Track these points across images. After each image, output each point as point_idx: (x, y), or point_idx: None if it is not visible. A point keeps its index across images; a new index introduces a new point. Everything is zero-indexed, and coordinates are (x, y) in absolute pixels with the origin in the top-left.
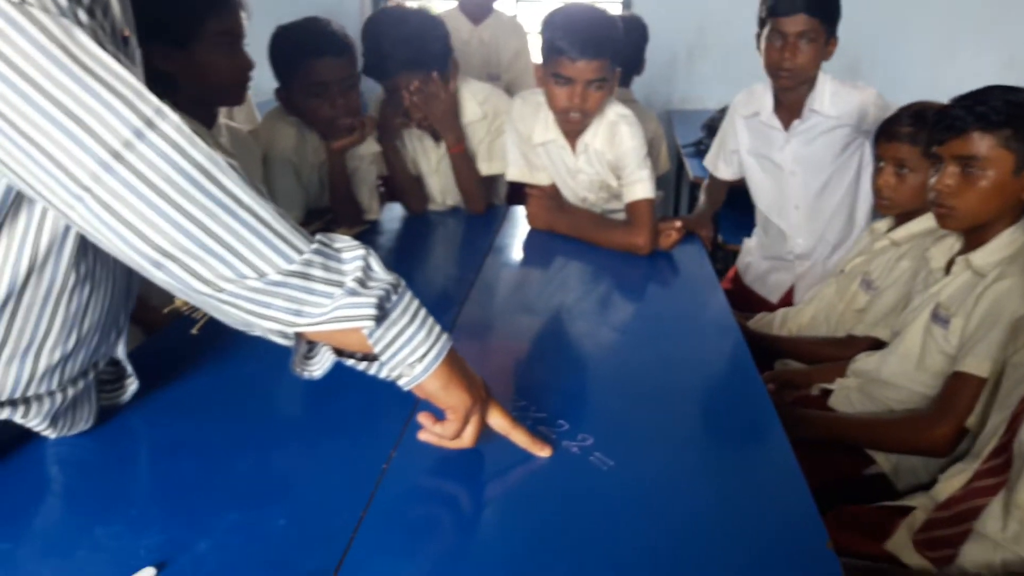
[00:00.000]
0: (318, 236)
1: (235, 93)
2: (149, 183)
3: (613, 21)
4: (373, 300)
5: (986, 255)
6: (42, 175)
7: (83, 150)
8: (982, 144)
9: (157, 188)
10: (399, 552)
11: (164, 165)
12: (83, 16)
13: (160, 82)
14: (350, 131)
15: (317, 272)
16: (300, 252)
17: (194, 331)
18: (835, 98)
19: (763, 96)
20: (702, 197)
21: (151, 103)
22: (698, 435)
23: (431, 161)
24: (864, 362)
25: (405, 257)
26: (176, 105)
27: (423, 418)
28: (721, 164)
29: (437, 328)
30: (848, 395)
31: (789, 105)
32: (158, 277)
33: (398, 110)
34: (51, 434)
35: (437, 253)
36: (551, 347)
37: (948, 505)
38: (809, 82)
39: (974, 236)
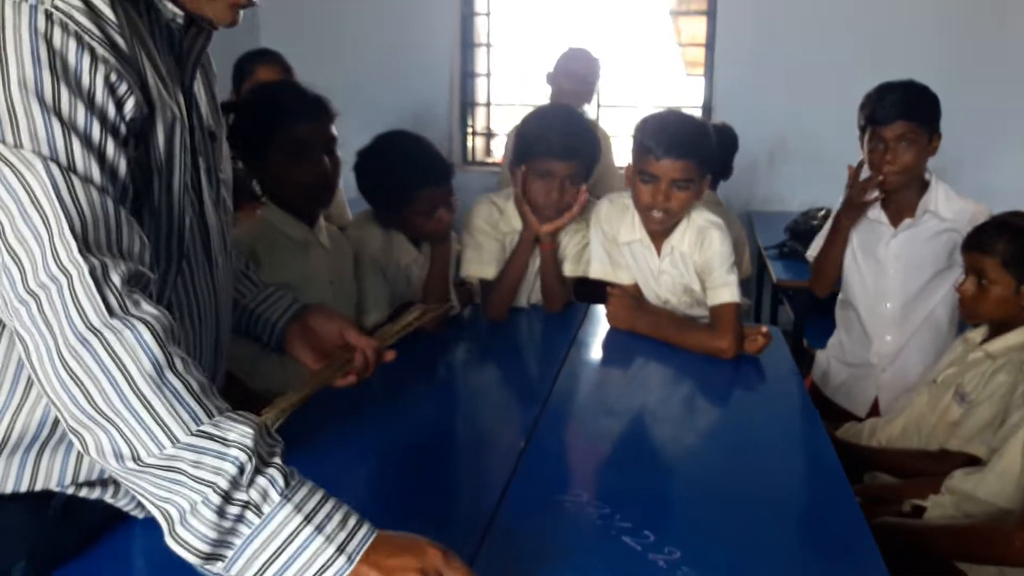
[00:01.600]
0: (212, 425)
1: (314, 200)
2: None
3: (703, 127)
4: (213, 535)
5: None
6: None
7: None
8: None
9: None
10: None
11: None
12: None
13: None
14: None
15: (185, 466)
16: (174, 442)
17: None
18: (949, 202)
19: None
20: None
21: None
22: (789, 550)
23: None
24: (961, 480)
25: (485, 355)
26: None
27: None
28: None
29: (334, 529)
30: (943, 513)
31: (898, 203)
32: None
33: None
34: (139, 514)
35: (518, 351)
36: (633, 451)
37: None
38: (919, 181)
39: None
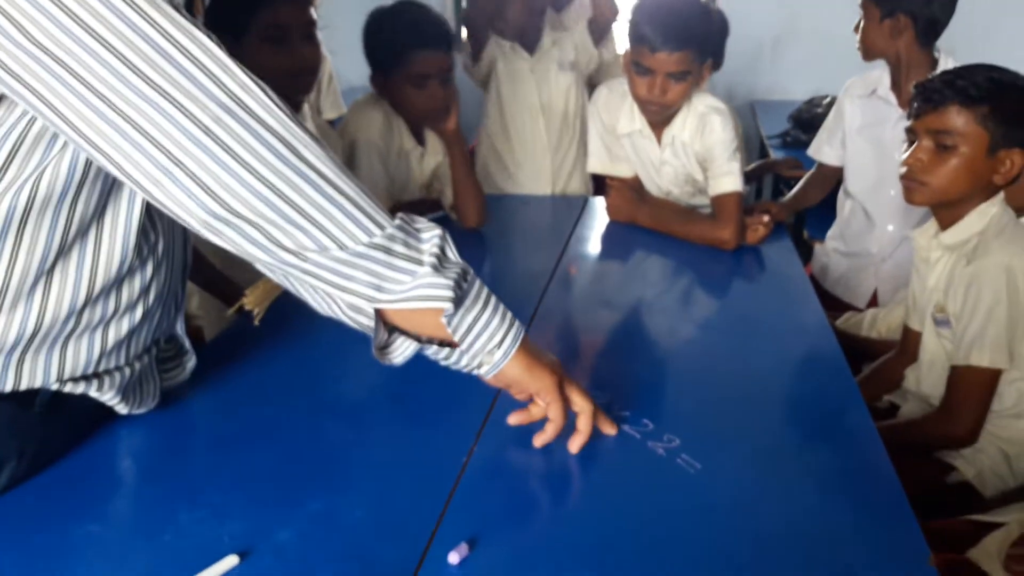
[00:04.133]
0: (399, 214)
1: (294, 86)
2: (236, 156)
3: (702, 12)
4: (450, 283)
5: (957, 233)
6: (131, 151)
7: (173, 125)
8: (958, 119)
9: (244, 161)
10: (481, 545)
11: (251, 139)
12: None
13: None
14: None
15: (399, 248)
16: (382, 227)
17: (256, 322)
18: None
19: (881, 76)
20: (798, 187)
21: (237, 78)
22: (789, 439)
23: None
24: (907, 379)
25: (483, 246)
26: None
27: (515, 418)
28: (826, 148)
29: (509, 313)
30: (910, 409)
31: (906, 84)
32: (245, 248)
33: None
34: (123, 409)
35: (515, 246)
36: (633, 343)
37: None
38: (928, 58)
39: (945, 215)
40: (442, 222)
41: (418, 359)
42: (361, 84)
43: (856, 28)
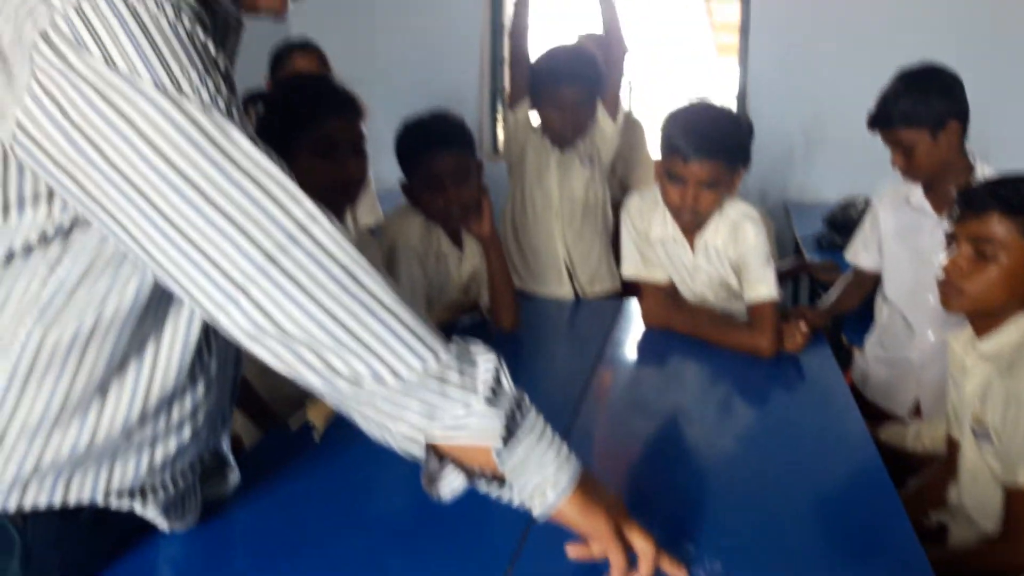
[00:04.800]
0: (456, 338)
1: (340, 197)
2: (299, 285)
3: (732, 123)
4: (503, 418)
5: (995, 343)
6: (197, 276)
7: (239, 253)
8: (999, 228)
9: (306, 290)
10: None
11: (314, 268)
12: (236, 113)
13: None
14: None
15: (453, 376)
16: (438, 355)
17: (317, 439)
18: None
19: (912, 185)
20: (835, 291)
21: (304, 206)
22: (832, 563)
23: None
24: (948, 492)
25: (519, 348)
26: None
27: (573, 551)
28: (862, 252)
29: (565, 447)
30: (962, 534)
31: (943, 192)
32: (303, 375)
33: None
34: (164, 526)
35: (551, 351)
36: (671, 456)
37: None
38: (963, 166)
39: (982, 323)
40: (479, 325)
41: None
42: (390, 187)
43: (896, 162)
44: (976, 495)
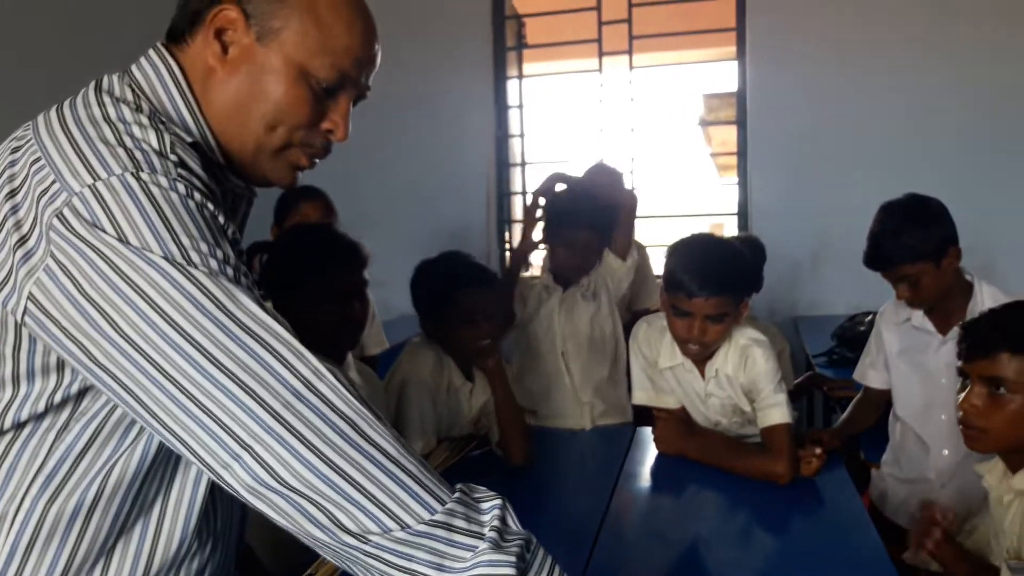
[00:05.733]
0: (459, 485)
1: (342, 342)
2: (305, 441)
3: (736, 257)
4: (512, 559)
5: None
6: (203, 435)
7: (245, 412)
8: (1011, 366)
9: (312, 446)
10: None
11: (320, 423)
12: (243, 278)
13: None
14: (489, 352)
15: (459, 523)
16: (443, 503)
17: None
18: (998, 303)
19: None
20: (848, 412)
21: (310, 364)
22: None
23: None
24: None
25: (532, 484)
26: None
27: None
28: (871, 372)
29: None
30: None
31: (944, 312)
32: (309, 531)
33: None
34: None
35: (564, 483)
36: None
37: None
38: (964, 286)
39: (1015, 458)
40: (487, 457)
41: None
42: (410, 312)
43: (902, 295)
44: None
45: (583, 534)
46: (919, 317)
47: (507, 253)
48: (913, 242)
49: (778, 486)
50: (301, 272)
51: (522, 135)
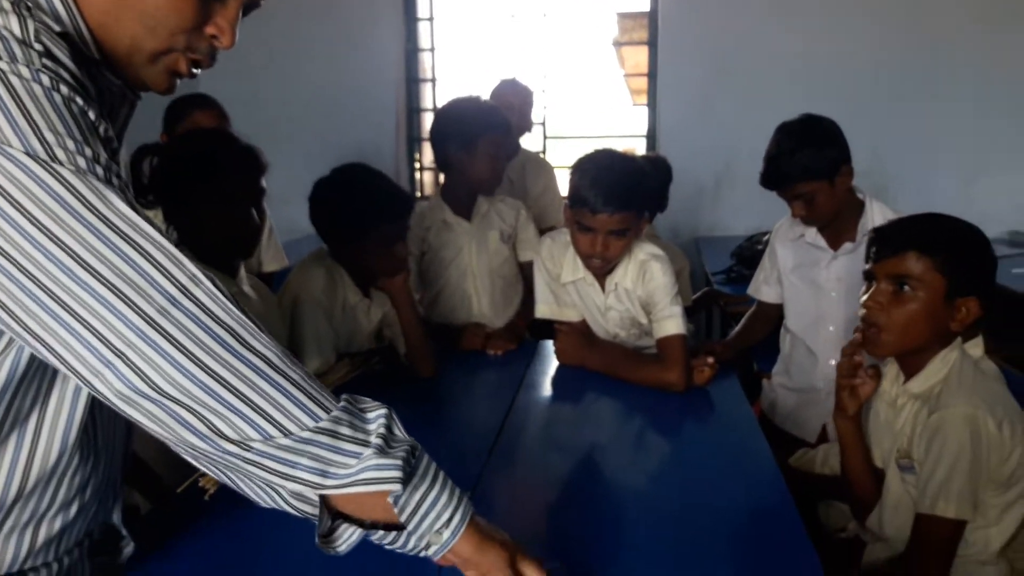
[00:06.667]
0: (344, 397)
1: (236, 252)
2: (181, 348)
3: (639, 173)
4: (398, 462)
5: (922, 382)
6: (73, 342)
7: (117, 318)
8: (917, 265)
9: (188, 352)
10: None
11: (196, 330)
12: (115, 179)
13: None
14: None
15: (344, 430)
16: (328, 411)
17: (206, 497)
18: (887, 220)
19: None
20: (741, 325)
21: (186, 269)
22: None
23: None
24: (870, 520)
25: (436, 394)
26: (198, 253)
27: None
28: (764, 287)
29: (457, 490)
30: (877, 554)
31: (836, 227)
32: (186, 439)
33: None
34: None
35: (466, 394)
36: (584, 493)
37: None
38: (855, 204)
39: (909, 363)
40: (391, 371)
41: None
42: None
43: (797, 212)
44: (897, 524)
45: (481, 442)
46: (812, 234)
47: (417, 172)
48: (807, 161)
49: (673, 394)
50: (193, 176)
51: (432, 49)
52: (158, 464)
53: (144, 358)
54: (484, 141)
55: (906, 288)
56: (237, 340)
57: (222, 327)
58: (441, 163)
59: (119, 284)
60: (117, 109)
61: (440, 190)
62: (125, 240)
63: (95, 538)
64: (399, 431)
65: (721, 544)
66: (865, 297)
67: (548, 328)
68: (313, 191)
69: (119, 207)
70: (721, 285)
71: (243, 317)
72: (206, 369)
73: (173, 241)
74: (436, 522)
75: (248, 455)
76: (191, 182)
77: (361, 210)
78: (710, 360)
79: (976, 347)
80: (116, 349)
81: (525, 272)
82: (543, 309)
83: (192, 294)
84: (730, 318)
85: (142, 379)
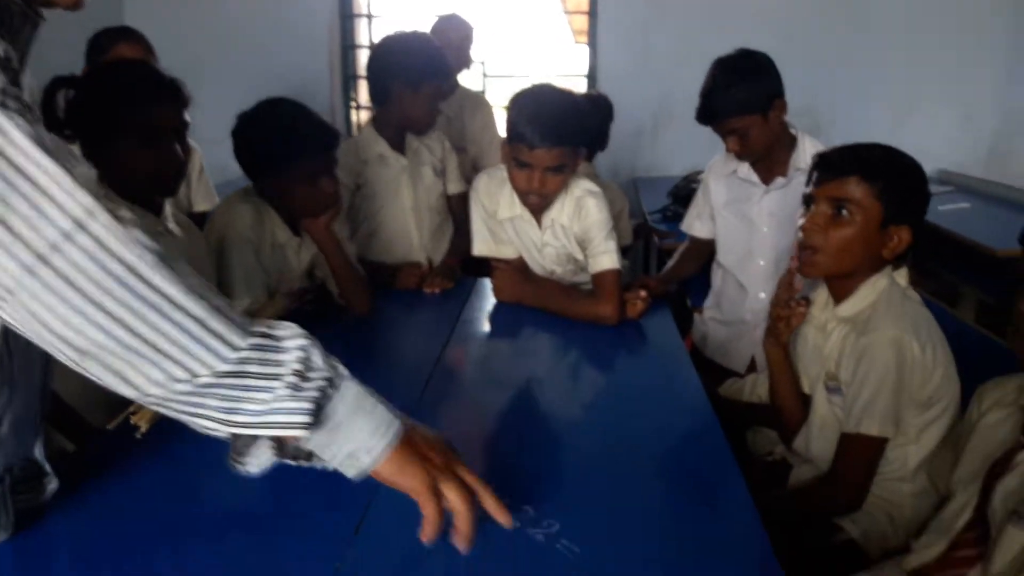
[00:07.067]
0: (261, 326)
1: (160, 188)
2: (74, 285)
3: (577, 109)
4: (308, 405)
5: (852, 306)
6: None
7: (7, 254)
8: (857, 190)
9: (83, 290)
10: None
11: (91, 266)
12: (11, 102)
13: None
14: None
15: (254, 368)
16: (236, 349)
17: (139, 435)
18: None
19: None
20: (673, 260)
21: (82, 202)
22: (668, 514)
23: None
24: (796, 442)
25: (371, 331)
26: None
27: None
28: (696, 223)
29: (384, 410)
30: (802, 475)
31: (769, 163)
32: (89, 376)
33: None
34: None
35: (402, 332)
36: (518, 425)
37: (922, 575)
38: (788, 139)
39: (839, 287)
40: (326, 308)
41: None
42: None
43: (731, 147)
44: (822, 445)
45: (416, 376)
46: (745, 169)
47: (352, 109)
48: (742, 95)
49: (607, 328)
50: (114, 108)
51: None
52: (82, 406)
53: (35, 298)
54: (429, 85)
55: (844, 212)
56: (136, 276)
57: (120, 263)
58: (379, 95)
59: (10, 218)
60: (19, 29)
61: (373, 123)
62: (13, 168)
63: (16, 475)
64: (319, 359)
65: (652, 469)
66: (803, 220)
67: (479, 265)
68: (235, 125)
69: (11, 134)
70: (657, 224)
71: (143, 251)
72: (103, 309)
73: (83, 174)
74: (356, 450)
75: (148, 400)
76: (108, 115)
77: (281, 143)
78: (643, 294)
79: (901, 277)
80: (6, 286)
81: (451, 205)
82: (480, 247)
83: (88, 228)
84: (664, 255)
85: (36, 321)
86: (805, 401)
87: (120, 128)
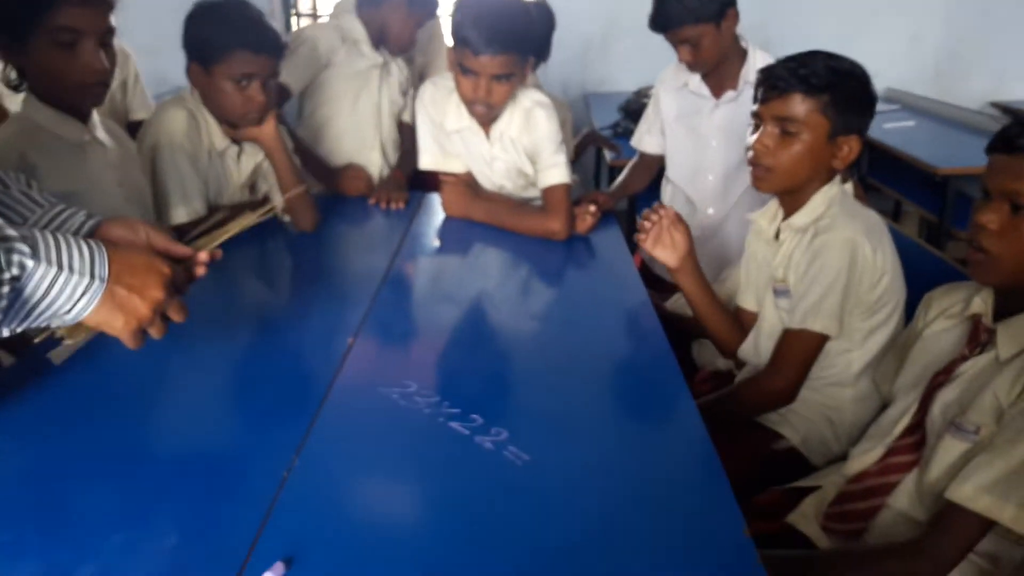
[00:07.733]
0: None
1: (83, 95)
2: None
3: (523, 13)
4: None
5: (805, 216)
6: None
7: None
8: (801, 107)
9: None
10: (298, 563)
11: None
12: None
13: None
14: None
15: None
16: None
17: (56, 362)
18: None
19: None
20: (623, 176)
21: None
22: (614, 424)
23: None
24: (743, 349)
25: (318, 247)
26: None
27: None
28: (646, 137)
29: (85, 264)
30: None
31: (719, 75)
32: None
33: None
34: None
35: (349, 247)
36: (468, 338)
37: (860, 479)
38: (739, 52)
39: (792, 201)
40: (271, 224)
41: (236, 371)
42: (180, 83)
43: (684, 57)
44: (771, 349)
45: (363, 291)
46: (695, 82)
47: (292, 18)
48: (696, 3)
49: (557, 243)
50: (30, 11)
51: None
52: None
53: None
54: (421, 13)
55: (791, 131)
56: None
57: None
58: None
59: None
60: None
61: (357, 11)
62: None
63: None
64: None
65: (599, 379)
66: (752, 139)
67: (426, 181)
68: (190, 12)
69: None
70: (609, 139)
71: None
72: None
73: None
74: (57, 310)
75: None
76: (26, 18)
77: (217, 31)
78: (592, 209)
79: (849, 191)
80: None
81: (403, 131)
82: (427, 160)
83: None
84: (614, 171)
85: None
86: (733, 314)
87: (35, 28)
